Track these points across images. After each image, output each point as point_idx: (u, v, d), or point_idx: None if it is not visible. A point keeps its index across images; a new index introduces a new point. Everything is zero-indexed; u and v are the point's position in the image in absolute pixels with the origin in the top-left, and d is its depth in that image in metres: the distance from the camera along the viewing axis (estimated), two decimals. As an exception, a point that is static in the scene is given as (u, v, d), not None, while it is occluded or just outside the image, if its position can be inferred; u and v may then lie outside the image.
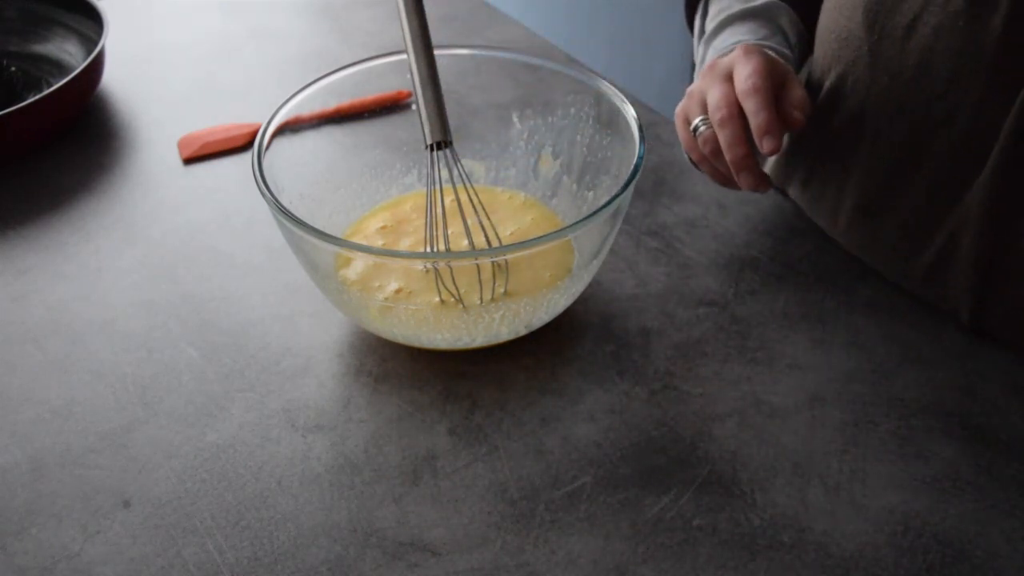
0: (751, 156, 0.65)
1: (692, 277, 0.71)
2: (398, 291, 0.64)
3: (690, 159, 0.72)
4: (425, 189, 0.69)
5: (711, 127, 0.67)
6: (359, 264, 0.65)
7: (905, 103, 0.65)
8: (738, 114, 0.65)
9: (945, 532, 0.54)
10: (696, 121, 0.68)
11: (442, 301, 0.63)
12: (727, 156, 0.65)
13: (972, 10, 0.60)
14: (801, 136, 0.76)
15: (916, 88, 0.64)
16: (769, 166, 0.84)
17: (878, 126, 0.68)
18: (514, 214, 0.72)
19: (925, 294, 0.69)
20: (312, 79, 0.69)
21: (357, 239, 0.70)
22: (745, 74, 0.65)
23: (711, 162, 0.68)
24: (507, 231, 0.69)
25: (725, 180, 0.70)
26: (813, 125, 0.74)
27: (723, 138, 0.65)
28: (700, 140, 0.67)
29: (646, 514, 0.56)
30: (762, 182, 0.66)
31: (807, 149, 0.77)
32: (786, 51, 0.73)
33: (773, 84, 0.65)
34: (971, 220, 0.64)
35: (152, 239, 0.75)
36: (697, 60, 0.80)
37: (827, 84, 0.72)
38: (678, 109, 0.70)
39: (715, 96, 0.66)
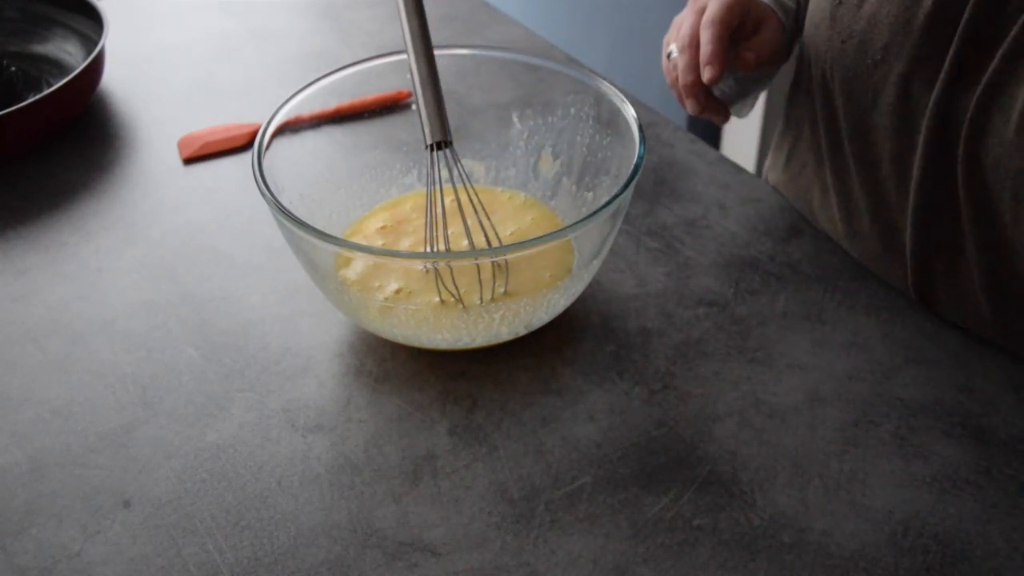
0: (698, 84, 0.69)
1: (692, 277, 0.71)
2: (398, 291, 0.64)
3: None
4: (425, 189, 0.69)
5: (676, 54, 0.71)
6: (359, 264, 0.65)
7: (852, 69, 0.67)
8: (697, 44, 0.68)
9: (945, 532, 0.54)
10: (669, 48, 0.72)
11: (442, 301, 0.63)
12: (680, 80, 0.70)
13: None
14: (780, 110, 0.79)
15: (861, 53, 0.66)
16: (771, 168, 0.85)
17: (835, 93, 0.70)
18: (514, 214, 0.72)
19: (875, 268, 0.71)
20: (312, 79, 0.69)
21: (357, 239, 0.70)
22: (713, 8, 0.68)
23: (676, 88, 0.72)
24: (507, 231, 0.69)
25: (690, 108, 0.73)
26: (792, 98, 0.78)
27: (680, 64, 0.70)
28: (668, 66, 0.72)
29: (646, 514, 0.56)
30: (708, 110, 0.70)
31: (786, 123, 0.80)
32: (788, 1, 0.75)
33: (740, 21, 0.69)
34: (908, 201, 0.67)
35: (152, 239, 0.75)
36: None
37: (798, 49, 0.74)
38: (665, 38, 0.75)
39: (684, 26, 0.70)
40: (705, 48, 0.67)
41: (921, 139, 0.63)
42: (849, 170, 0.71)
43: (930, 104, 0.62)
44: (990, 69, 0.59)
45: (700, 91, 0.69)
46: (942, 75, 0.61)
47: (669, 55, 0.72)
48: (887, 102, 0.65)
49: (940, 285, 0.67)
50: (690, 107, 0.70)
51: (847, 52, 0.67)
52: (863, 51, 0.66)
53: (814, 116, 0.74)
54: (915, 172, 0.65)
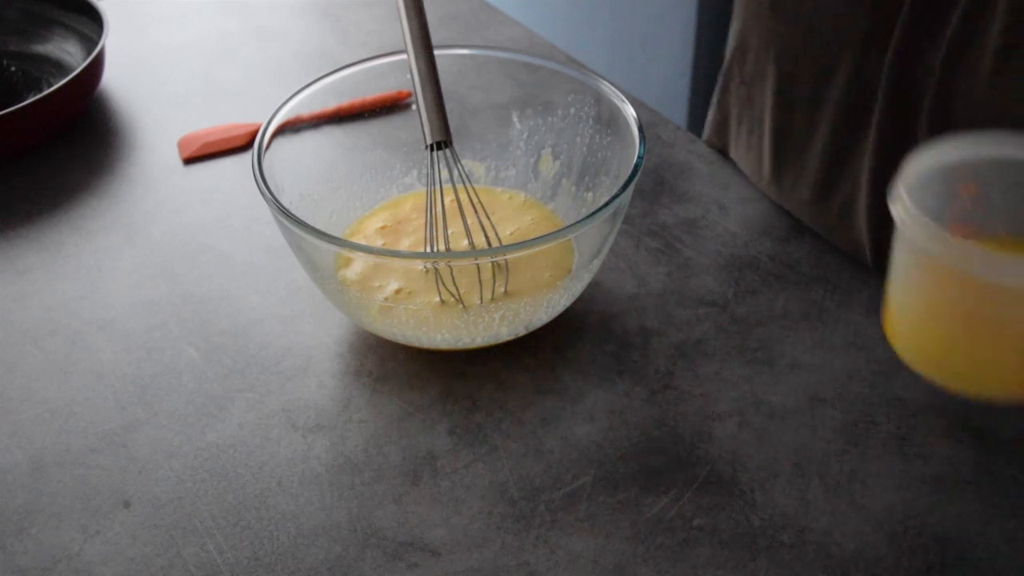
0: None
1: (692, 277, 0.71)
2: (398, 291, 0.64)
3: None
4: (424, 189, 0.69)
5: None
6: (359, 264, 0.65)
7: (801, 51, 0.67)
8: None
9: (945, 532, 0.54)
10: None
11: (442, 301, 0.63)
12: None
13: None
14: (728, 90, 0.78)
15: (809, 35, 0.66)
16: (708, 125, 0.85)
17: (781, 75, 0.70)
18: (514, 214, 0.72)
19: (834, 239, 0.71)
20: (312, 79, 0.69)
21: (357, 239, 0.70)
22: None
23: None
24: (507, 231, 0.69)
25: None
26: (733, 76, 0.78)
27: None
28: None
29: (646, 514, 0.56)
30: None
31: (733, 102, 0.79)
32: None
33: None
34: (865, 170, 0.67)
35: (152, 239, 0.75)
36: None
37: (736, 28, 0.74)
38: None
39: None
40: None
41: (878, 108, 0.64)
42: (797, 143, 0.72)
43: (885, 71, 0.62)
44: (950, 30, 0.58)
45: None
46: (895, 43, 0.61)
47: None
48: (840, 81, 0.65)
49: None
50: None
51: (794, 36, 0.67)
52: (811, 33, 0.65)
53: (754, 97, 0.75)
54: (871, 142, 0.65)
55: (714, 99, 0.82)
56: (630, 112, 0.66)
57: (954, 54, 0.58)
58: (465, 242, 0.67)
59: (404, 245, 0.69)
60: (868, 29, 0.63)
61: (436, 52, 0.62)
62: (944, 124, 0.61)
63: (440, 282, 0.63)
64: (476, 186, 0.70)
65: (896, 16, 0.61)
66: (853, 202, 0.69)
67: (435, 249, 0.66)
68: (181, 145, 0.84)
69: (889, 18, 0.61)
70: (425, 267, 0.64)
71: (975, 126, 0.58)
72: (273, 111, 0.66)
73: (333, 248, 0.60)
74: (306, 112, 0.69)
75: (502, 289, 0.64)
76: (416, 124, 0.63)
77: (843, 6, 0.63)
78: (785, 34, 0.67)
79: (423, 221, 0.68)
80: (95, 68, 0.85)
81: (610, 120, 0.68)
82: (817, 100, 0.68)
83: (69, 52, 0.92)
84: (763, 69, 0.72)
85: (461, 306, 0.62)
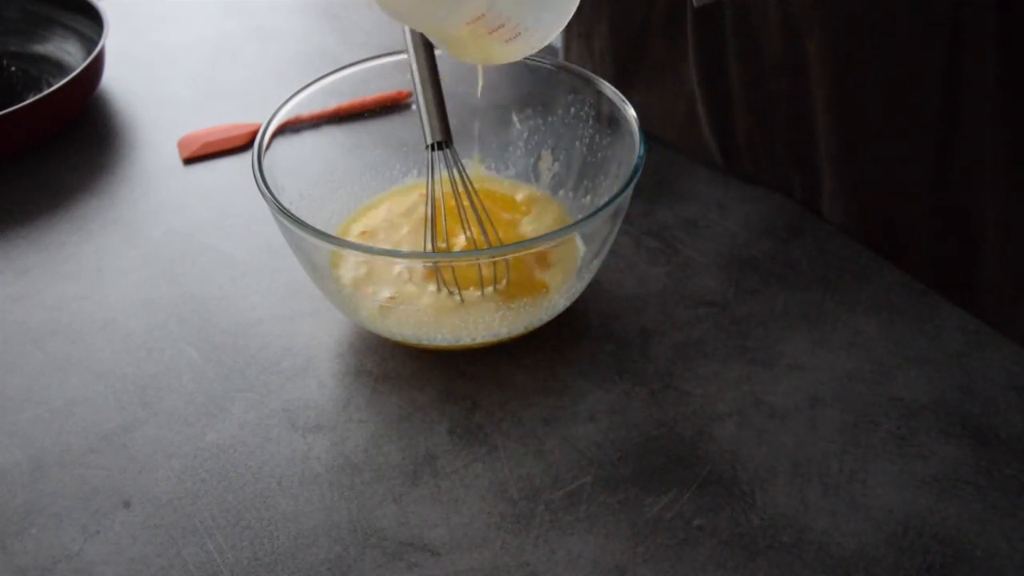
0: None
1: (692, 277, 0.71)
2: (392, 297, 0.64)
3: None
4: (391, 189, 0.69)
5: None
6: (350, 267, 0.64)
7: None
8: None
9: (945, 532, 0.54)
10: None
11: (439, 290, 0.63)
12: None
13: None
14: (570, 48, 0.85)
15: None
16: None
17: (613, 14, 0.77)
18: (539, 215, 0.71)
19: (689, 151, 0.77)
20: (312, 79, 0.69)
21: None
22: None
23: None
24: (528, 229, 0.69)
25: None
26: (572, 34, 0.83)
27: None
28: None
29: (646, 514, 0.56)
30: None
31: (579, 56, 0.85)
32: None
33: None
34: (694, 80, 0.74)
35: (152, 239, 0.75)
36: None
37: None
38: None
39: None
40: None
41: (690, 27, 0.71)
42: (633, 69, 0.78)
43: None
44: None
45: None
46: None
47: None
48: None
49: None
50: None
51: None
52: None
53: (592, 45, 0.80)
54: (692, 57, 0.73)
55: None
56: (630, 112, 0.66)
57: None
58: (462, 237, 0.66)
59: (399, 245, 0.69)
60: None
61: (436, 52, 0.62)
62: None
63: (440, 279, 0.63)
64: (479, 176, 0.70)
65: None
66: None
67: (435, 249, 0.66)
68: (181, 145, 0.84)
69: None
70: (425, 266, 0.64)
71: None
72: (273, 111, 0.66)
73: (332, 248, 0.60)
74: (306, 112, 0.69)
75: (503, 285, 0.64)
76: (416, 124, 0.63)
77: None
78: None
79: (407, 227, 0.68)
80: (95, 68, 0.85)
81: (610, 120, 0.68)
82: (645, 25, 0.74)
83: (69, 52, 0.92)
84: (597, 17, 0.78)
85: (460, 300, 0.62)
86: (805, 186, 0.75)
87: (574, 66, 0.72)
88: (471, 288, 0.63)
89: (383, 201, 0.72)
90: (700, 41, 0.73)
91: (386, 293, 0.63)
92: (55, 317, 0.69)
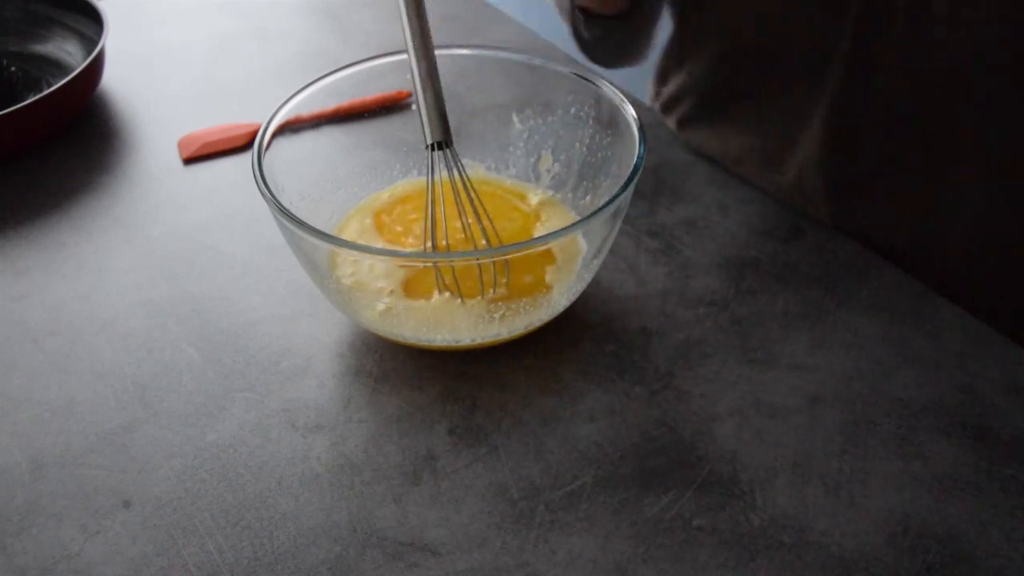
0: None
1: (692, 277, 0.71)
2: (392, 291, 0.64)
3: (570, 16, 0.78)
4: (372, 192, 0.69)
5: None
6: (348, 266, 0.65)
7: (752, 29, 0.71)
8: None
9: (945, 532, 0.54)
10: None
11: (440, 292, 0.63)
12: None
13: None
14: (677, 58, 0.83)
15: (758, 10, 0.70)
16: (664, 98, 0.87)
17: (730, 54, 0.74)
18: (511, 213, 0.72)
19: (793, 202, 0.74)
20: (312, 79, 0.69)
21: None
22: None
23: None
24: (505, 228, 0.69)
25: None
26: (680, 65, 0.82)
27: None
28: None
29: (646, 514, 0.56)
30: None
31: (680, 89, 0.83)
32: None
33: None
34: (820, 131, 0.71)
35: (152, 239, 0.75)
36: None
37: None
38: None
39: None
40: None
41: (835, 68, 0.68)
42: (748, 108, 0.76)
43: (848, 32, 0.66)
44: None
45: None
46: (855, 7, 0.65)
47: None
48: (800, 44, 0.70)
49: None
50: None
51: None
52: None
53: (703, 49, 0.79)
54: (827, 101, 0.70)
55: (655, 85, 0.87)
56: (630, 112, 0.66)
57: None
58: (461, 236, 0.66)
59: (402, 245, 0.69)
60: (821, 8, 0.67)
61: (436, 52, 0.62)
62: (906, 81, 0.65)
63: (441, 280, 0.63)
64: (479, 176, 0.70)
65: None
66: (808, 168, 0.72)
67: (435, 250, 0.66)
68: (181, 145, 0.84)
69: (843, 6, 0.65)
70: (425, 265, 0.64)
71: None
72: (273, 111, 0.66)
73: (332, 248, 0.60)
74: (306, 112, 0.69)
75: (504, 280, 0.64)
76: (416, 124, 0.63)
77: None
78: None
79: (400, 227, 0.68)
80: (95, 68, 0.85)
81: (610, 120, 0.68)
82: (770, 66, 0.72)
83: (69, 52, 0.92)
84: (712, 26, 0.76)
85: (460, 300, 0.62)
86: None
87: (574, 66, 0.71)
88: (471, 288, 0.63)
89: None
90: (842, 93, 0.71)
91: (386, 293, 0.64)
92: (55, 317, 0.69)
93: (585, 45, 0.79)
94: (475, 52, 0.73)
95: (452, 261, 0.63)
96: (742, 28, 0.73)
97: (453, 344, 0.63)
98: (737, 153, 0.78)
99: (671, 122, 0.87)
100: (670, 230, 0.75)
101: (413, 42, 0.62)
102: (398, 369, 0.65)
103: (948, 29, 0.63)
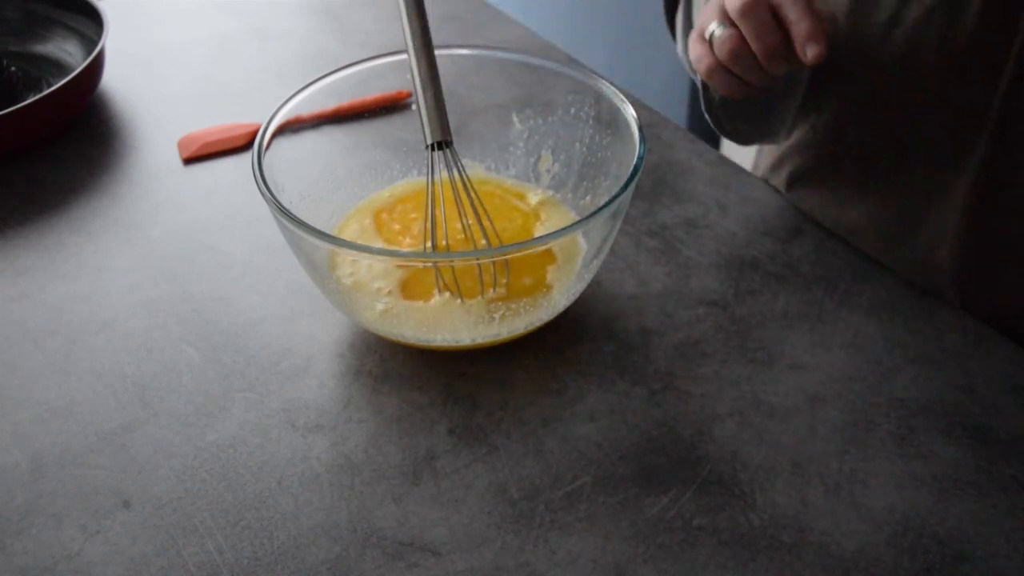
0: (784, 42, 0.60)
1: (692, 277, 0.71)
2: (390, 291, 0.64)
3: (702, 84, 0.71)
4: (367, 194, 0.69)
5: (728, 28, 0.62)
6: (351, 266, 0.65)
7: (890, 96, 0.68)
8: (757, 13, 0.59)
9: (945, 532, 0.54)
10: (712, 27, 0.63)
11: (440, 292, 0.63)
12: (757, 47, 0.60)
13: (947, 6, 0.64)
14: (802, 107, 0.78)
15: (900, 79, 0.67)
16: (762, 168, 0.86)
17: (864, 118, 0.70)
18: (511, 213, 0.72)
19: (916, 278, 0.71)
20: (312, 79, 0.69)
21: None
22: None
23: (727, 67, 0.63)
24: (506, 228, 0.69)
25: (740, 87, 0.65)
26: (804, 120, 0.76)
27: (749, 29, 0.59)
28: (716, 43, 0.62)
29: (646, 514, 0.56)
30: (812, 51, 0.59)
31: (798, 143, 0.80)
32: None
33: None
34: (958, 207, 0.68)
35: (152, 239, 0.75)
36: (679, 31, 0.80)
37: (808, 75, 0.74)
38: (693, 33, 0.66)
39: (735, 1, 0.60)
40: (801, 24, 0.58)
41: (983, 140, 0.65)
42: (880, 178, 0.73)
43: (998, 101, 0.64)
44: None
45: (788, 50, 0.59)
46: (1010, 73, 0.63)
47: (711, 35, 0.63)
48: (944, 117, 0.67)
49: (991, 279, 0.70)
50: (779, 68, 0.60)
51: (879, 82, 0.68)
52: (903, 77, 0.66)
53: (827, 129, 0.75)
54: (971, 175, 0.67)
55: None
56: (630, 112, 0.66)
57: None
58: (460, 237, 0.66)
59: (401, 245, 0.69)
60: (967, 77, 0.64)
61: (436, 52, 0.62)
62: None
63: (441, 280, 0.63)
64: (480, 177, 0.70)
65: (1009, 46, 0.62)
66: (939, 242, 0.69)
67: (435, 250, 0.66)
68: (181, 145, 0.84)
69: (990, 68, 0.63)
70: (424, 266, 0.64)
71: None
72: (273, 111, 0.66)
73: (332, 248, 0.60)
74: (306, 112, 0.69)
75: (504, 280, 0.64)
76: (416, 124, 0.63)
77: (937, 58, 0.65)
78: (870, 81, 0.68)
79: (398, 226, 0.68)
80: (95, 68, 0.85)
81: (610, 120, 0.68)
82: (905, 144, 0.69)
83: (69, 52, 0.92)
84: (841, 111, 0.72)
85: (460, 301, 0.62)
86: None
87: (574, 66, 0.71)
88: (471, 288, 0.63)
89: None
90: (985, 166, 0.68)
91: (385, 293, 0.64)
92: (55, 317, 0.69)
93: (719, 123, 0.74)
94: (475, 52, 0.73)
95: (452, 261, 0.63)
96: (883, 87, 0.69)
97: (453, 344, 0.63)
98: (856, 220, 0.75)
99: (779, 178, 0.83)
100: (670, 230, 0.75)
101: (413, 42, 0.62)
102: (398, 369, 0.65)
103: None
